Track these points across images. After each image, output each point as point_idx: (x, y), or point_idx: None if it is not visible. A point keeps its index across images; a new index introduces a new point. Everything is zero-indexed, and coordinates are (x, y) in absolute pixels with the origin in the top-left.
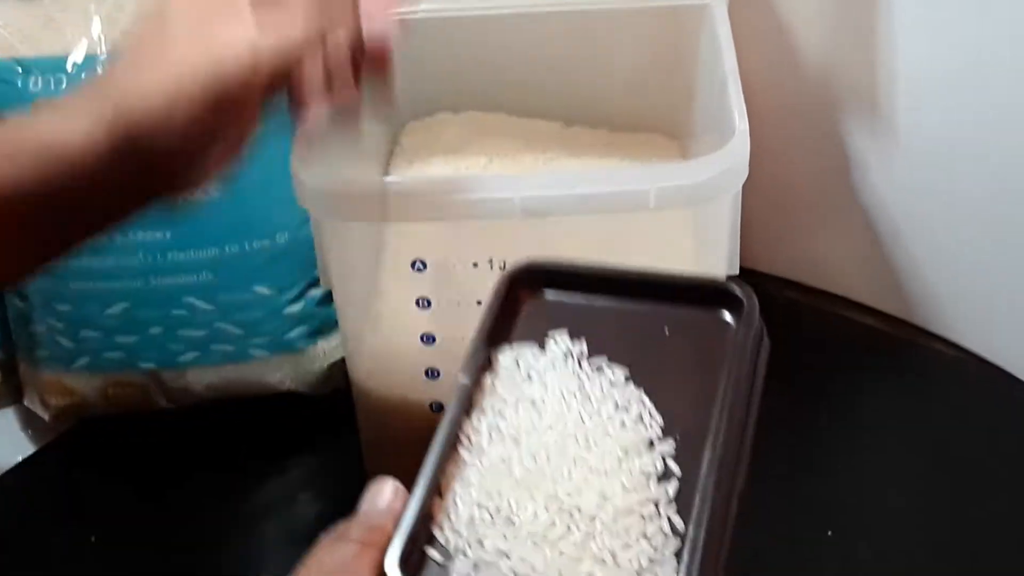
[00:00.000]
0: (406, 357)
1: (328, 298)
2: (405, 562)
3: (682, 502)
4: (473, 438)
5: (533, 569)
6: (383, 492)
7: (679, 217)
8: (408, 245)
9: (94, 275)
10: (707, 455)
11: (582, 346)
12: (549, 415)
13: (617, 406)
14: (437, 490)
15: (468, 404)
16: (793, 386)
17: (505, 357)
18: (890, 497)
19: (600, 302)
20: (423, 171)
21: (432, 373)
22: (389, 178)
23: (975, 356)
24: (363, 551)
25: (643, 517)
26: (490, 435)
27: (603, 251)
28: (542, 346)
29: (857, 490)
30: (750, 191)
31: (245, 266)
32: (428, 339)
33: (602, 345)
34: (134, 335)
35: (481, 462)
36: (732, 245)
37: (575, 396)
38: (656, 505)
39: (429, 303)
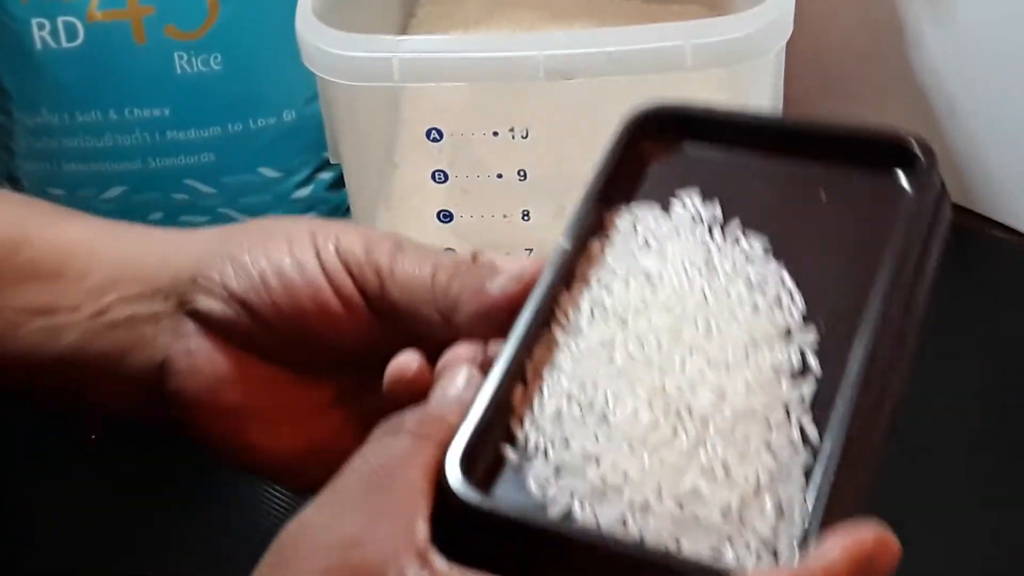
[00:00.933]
0: (422, 236)
1: (339, 182)
2: (469, 460)
3: (820, 408)
4: (571, 315)
5: (626, 478)
6: (455, 380)
7: (717, 78)
8: (423, 112)
9: (89, 156)
10: (857, 350)
11: (715, 210)
12: (665, 292)
13: (751, 285)
14: (520, 376)
15: (568, 274)
16: None
17: (620, 220)
18: (954, 404)
19: (742, 158)
20: None
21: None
22: (403, 37)
23: None
24: (418, 445)
25: (768, 423)
26: (591, 313)
27: None
28: (666, 209)
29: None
30: (793, 59)
31: (249, 146)
32: (445, 216)
33: (741, 210)
34: (133, 221)
35: (577, 345)
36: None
37: (700, 271)
38: (787, 409)
39: (446, 176)
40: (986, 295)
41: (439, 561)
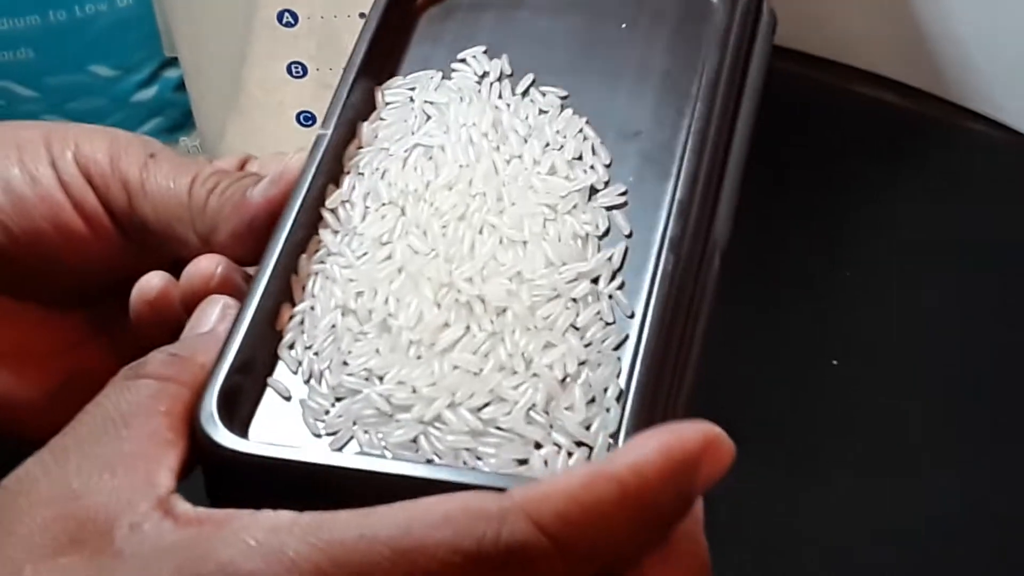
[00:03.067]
0: (281, 144)
1: None
2: (229, 401)
3: (633, 274)
4: (341, 213)
5: (414, 393)
6: (207, 313)
7: None
8: None
9: None
10: (669, 197)
11: (503, 65)
12: (449, 169)
13: (548, 144)
14: (285, 294)
15: (335, 165)
16: (805, 178)
17: (392, 93)
18: (923, 311)
19: (531, 3)
20: None
21: None
22: None
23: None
24: (163, 389)
25: (574, 301)
26: (364, 206)
27: None
28: (447, 75)
29: (883, 302)
30: None
31: (77, 39)
32: (306, 118)
33: (533, 61)
34: None
35: (351, 246)
36: None
37: (487, 136)
38: (595, 282)
39: (304, 70)
40: (961, 191)
41: (183, 506)
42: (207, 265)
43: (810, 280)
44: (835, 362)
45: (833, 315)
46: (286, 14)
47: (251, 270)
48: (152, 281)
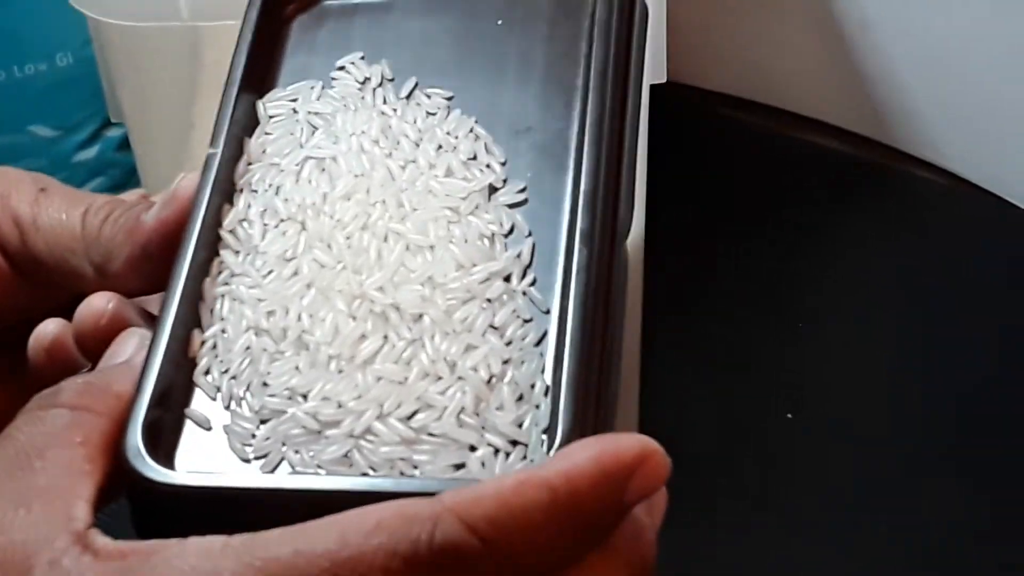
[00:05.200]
0: None
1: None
2: (151, 431)
3: (544, 270)
4: (240, 232)
5: (341, 408)
6: (125, 343)
7: None
8: (227, 56)
9: None
10: (571, 189)
11: (384, 70)
12: (345, 179)
13: (440, 147)
14: (194, 320)
15: (229, 184)
16: (750, 227)
17: (274, 105)
18: (877, 357)
19: (404, 5)
20: None
21: None
22: None
23: (967, 183)
24: (78, 420)
25: (489, 301)
26: (263, 224)
27: None
28: (328, 84)
29: (827, 352)
30: None
31: (17, 99)
32: None
33: (413, 64)
34: None
35: (254, 265)
36: (656, 46)
37: (378, 144)
38: (507, 280)
39: None
40: (907, 235)
41: (102, 540)
42: (98, 303)
43: (763, 333)
44: (789, 415)
45: (789, 366)
46: None
47: (153, 301)
48: (47, 328)
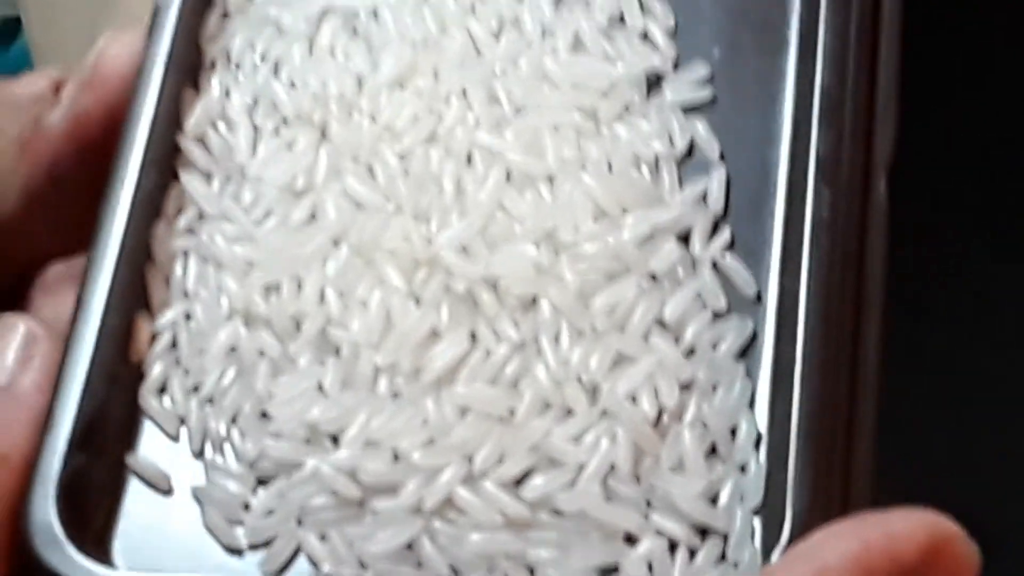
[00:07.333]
0: None
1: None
2: (73, 498)
3: (747, 223)
4: (214, 140)
5: (398, 459)
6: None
7: None
8: None
9: None
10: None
11: None
12: (396, 51)
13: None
14: (139, 297)
15: (192, 54)
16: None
17: None
18: None
19: None
20: None
21: None
22: None
23: None
24: None
25: (654, 278)
26: (253, 125)
27: None
28: None
29: None
30: None
31: None
32: None
33: None
34: None
35: (239, 203)
36: None
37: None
38: (684, 240)
39: None
40: None
41: None
42: None
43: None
44: None
45: None
46: None
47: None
48: None
